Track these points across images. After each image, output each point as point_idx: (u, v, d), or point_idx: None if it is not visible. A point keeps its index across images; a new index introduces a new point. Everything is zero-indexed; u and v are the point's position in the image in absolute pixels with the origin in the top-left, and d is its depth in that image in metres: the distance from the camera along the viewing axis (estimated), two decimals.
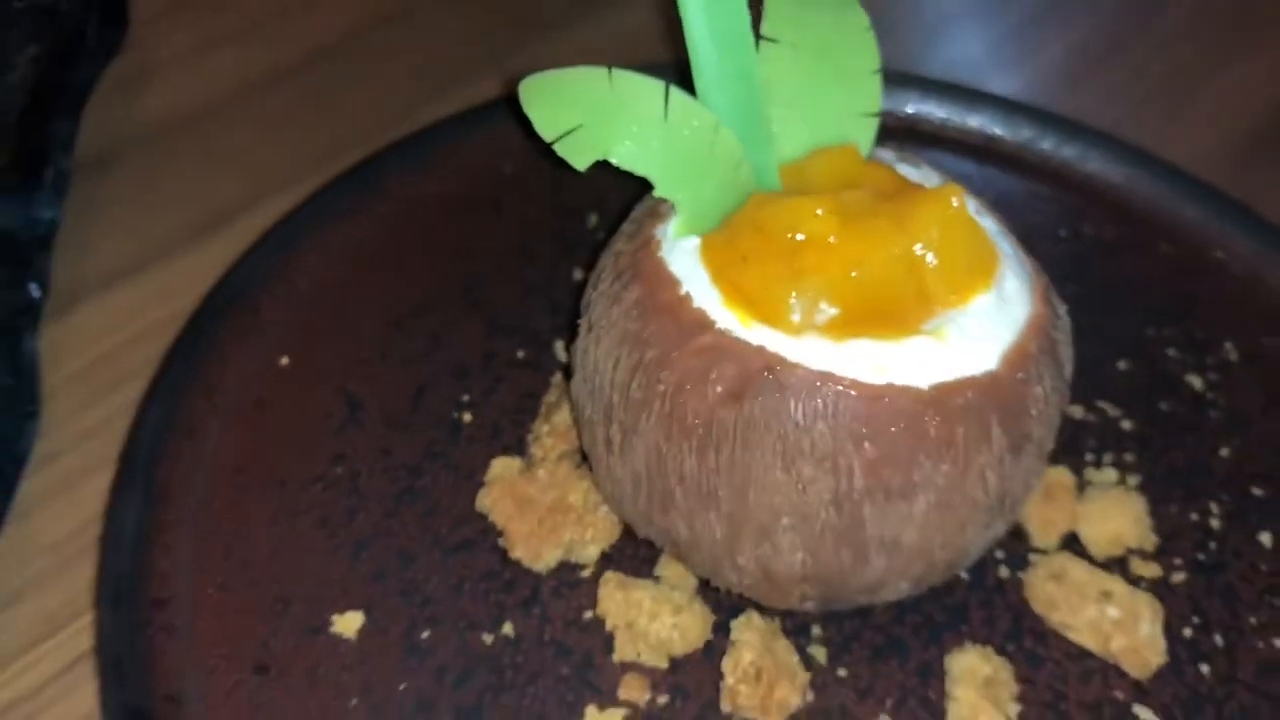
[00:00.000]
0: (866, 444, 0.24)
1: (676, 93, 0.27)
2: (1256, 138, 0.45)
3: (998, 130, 0.43)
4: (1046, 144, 0.42)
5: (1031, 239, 0.38)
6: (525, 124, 0.28)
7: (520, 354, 0.35)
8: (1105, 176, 0.41)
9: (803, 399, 0.24)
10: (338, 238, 0.38)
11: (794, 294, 0.25)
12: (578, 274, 0.38)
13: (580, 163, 0.27)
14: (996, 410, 0.25)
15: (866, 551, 0.25)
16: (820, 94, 0.29)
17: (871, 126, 0.29)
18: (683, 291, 0.26)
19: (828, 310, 0.25)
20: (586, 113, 0.27)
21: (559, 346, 0.36)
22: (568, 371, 0.34)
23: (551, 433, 0.32)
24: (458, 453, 0.33)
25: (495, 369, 0.35)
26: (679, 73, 0.29)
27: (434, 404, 0.34)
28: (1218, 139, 0.45)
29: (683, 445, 0.25)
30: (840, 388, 0.24)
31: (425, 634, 0.29)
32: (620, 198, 0.40)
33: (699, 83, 0.28)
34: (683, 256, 0.26)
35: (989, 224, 0.28)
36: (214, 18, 0.48)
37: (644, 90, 0.27)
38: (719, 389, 0.24)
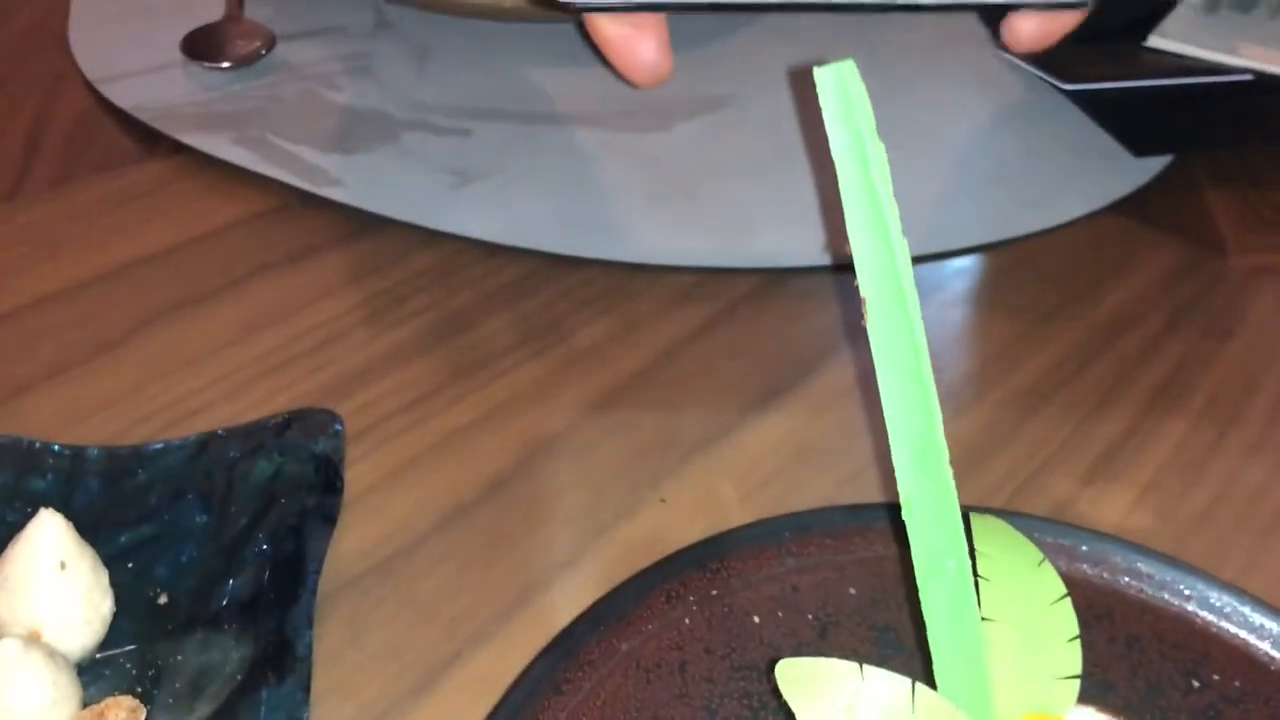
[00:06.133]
0: None
1: (921, 688, 0.31)
2: None
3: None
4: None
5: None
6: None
7: None
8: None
9: None
10: (546, 714, 0.41)
11: None
12: None
13: None
14: None
15: None
16: (1026, 663, 0.33)
17: (1073, 688, 0.34)
18: None
19: None
20: (842, 706, 0.31)
21: None
22: None
23: None
24: None
25: None
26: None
27: None
28: None
29: None
30: None
31: None
32: (795, 654, 0.44)
33: (940, 676, 0.32)
34: None
35: None
36: (391, 447, 0.53)
37: (891, 686, 0.31)
38: None
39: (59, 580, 0.40)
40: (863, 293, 0.30)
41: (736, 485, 0.52)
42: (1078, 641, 0.34)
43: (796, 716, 0.31)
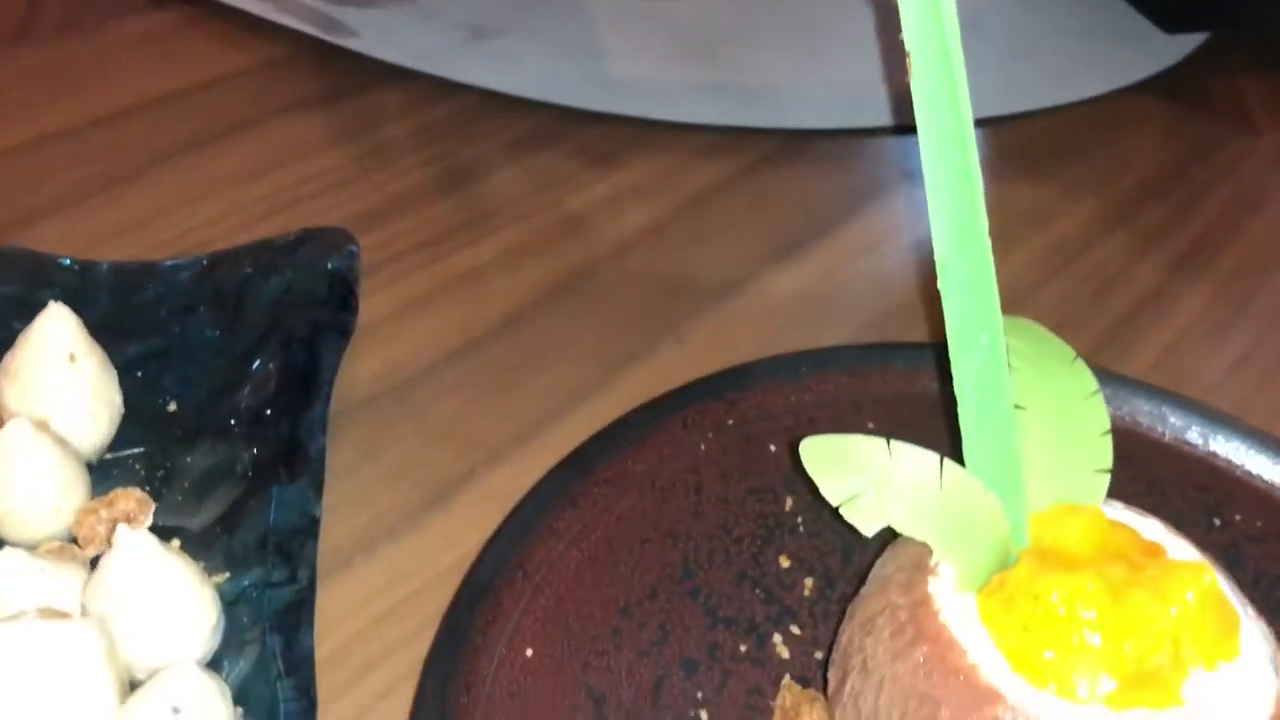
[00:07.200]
0: None
1: (950, 464, 0.31)
2: None
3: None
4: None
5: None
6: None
7: (742, 648, 0.38)
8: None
9: None
10: (561, 524, 0.41)
11: (1079, 668, 0.28)
12: (784, 561, 0.41)
13: (867, 530, 0.30)
14: None
15: None
16: (1058, 453, 0.33)
17: (1104, 481, 0.33)
18: (971, 659, 0.29)
19: (1107, 682, 0.28)
20: (868, 481, 0.30)
21: (779, 640, 0.39)
22: (792, 673, 0.38)
23: None
24: None
25: (721, 662, 0.38)
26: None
27: (671, 699, 0.37)
28: None
29: None
30: None
31: None
32: (811, 481, 0.43)
33: (969, 454, 0.31)
34: (962, 617, 0.30)
35: (1225, 587, 0.31)
36: (406, 283, 0.52)
37: (920, 461, 0.31)
38: None
39: (68, 372, 0.39)
40: (908, 47, 0.29)
41: (755, 330, 0.52)
42: (1109, 436, 0.33)
43: (821, 492, 0.31)
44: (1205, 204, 0.62)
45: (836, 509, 0.30)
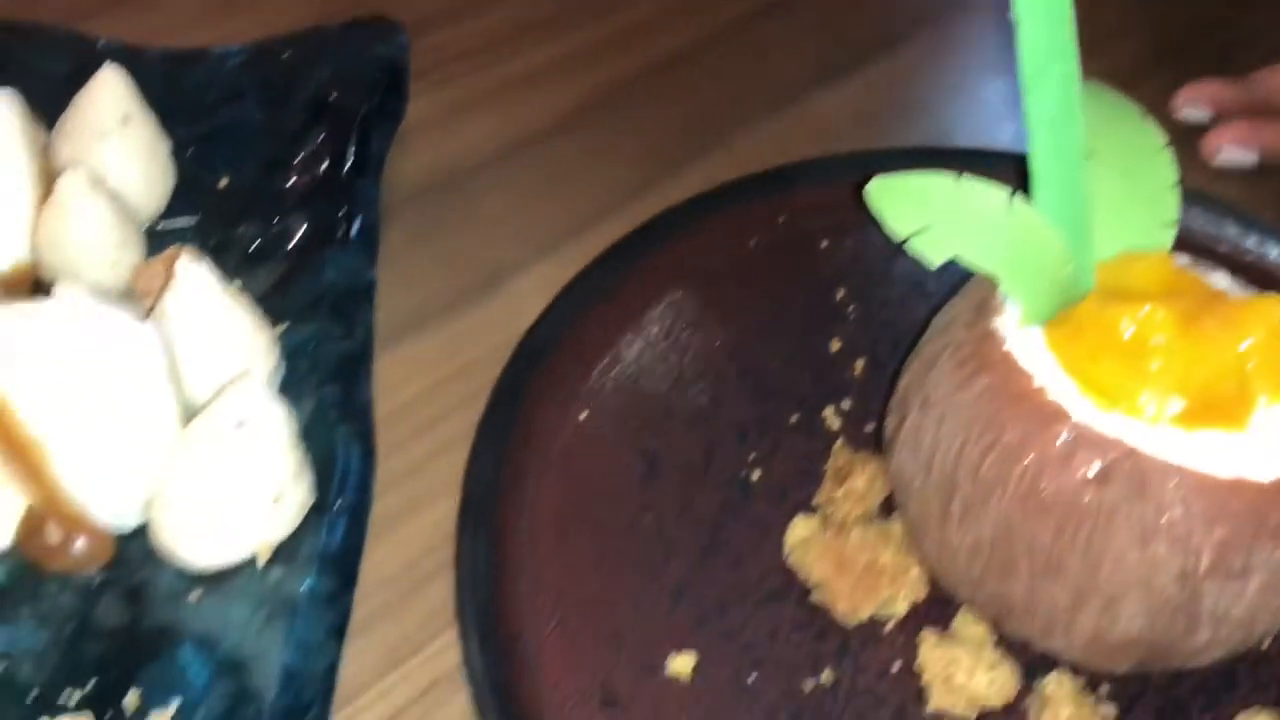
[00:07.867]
0: (1217, 529, 0.27)
1: (1019, 200, 0.30)
2: None
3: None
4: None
5: None
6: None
7: (793, 419, 0.38)
8: None
9: (1163, 486, 0.27)
10: (613, 306, 0.41)
11: (1147, 389, 0.28)
12: (834, 345, 0.41)
13: (933, 260, 0.30)
14: None
15: (1198, 623, 0.28)
16: (1125, 203, 0.32)
17: (1170, 234, 0.33)
18: (1037, 383, 0.29)
19: (1176, 403, 0.28)
20: (936, 214, 0.30)
21: (829, 413, 0.39)
22: (846, 439, 0.38)
23: (848, 496, 0.35)
24: (752, 510, 0.36)
25: (772, 432, 0.38)
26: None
27: (724, 461, 0.37)
28: None
29: (1037, 522, 0.28)
30: (1196, 478, 0.27)
31: (752, 678, 0.32)
32: (863, 273, 0.43)
33: (1037, 191, 0.31)
34: (1027, 348, 0.30)
35: None
36: (458, 85, 0.51)
37: (989, 195, 0.30)
38: (1081, 473, 0.27)
39: (122, 133, 0.39)
40: None
41: (808, 141, 0.51)
42: (1178, 188, 0.33)
43: (888, 229, 0.30)
44: (1251, 51, 0.60)
45: (902, 244, 0.30)
